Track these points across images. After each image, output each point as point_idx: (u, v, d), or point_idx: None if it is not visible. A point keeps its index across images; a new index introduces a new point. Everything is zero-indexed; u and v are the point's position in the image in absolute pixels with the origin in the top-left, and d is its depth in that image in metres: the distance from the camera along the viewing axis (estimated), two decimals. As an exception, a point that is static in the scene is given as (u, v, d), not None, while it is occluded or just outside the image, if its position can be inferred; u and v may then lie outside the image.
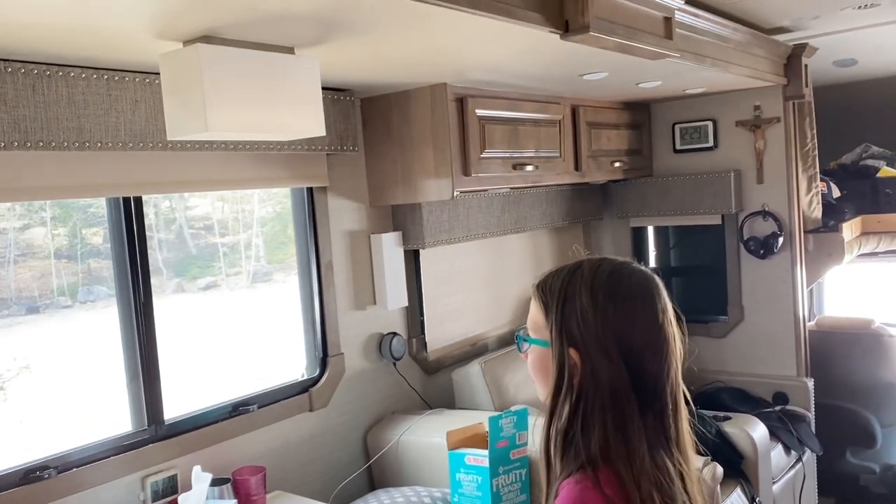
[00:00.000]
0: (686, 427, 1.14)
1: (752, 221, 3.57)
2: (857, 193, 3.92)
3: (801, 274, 3.55)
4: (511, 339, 1.97)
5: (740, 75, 2.98)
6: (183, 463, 2.22)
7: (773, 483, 3.14)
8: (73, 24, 1.51)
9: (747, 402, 3.50)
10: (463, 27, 1.78)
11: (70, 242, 2.26)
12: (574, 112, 3.19)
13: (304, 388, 2.63)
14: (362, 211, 2.82)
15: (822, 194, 3.71)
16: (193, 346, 2.52)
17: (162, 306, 2.26)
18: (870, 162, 4.01)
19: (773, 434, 3.21)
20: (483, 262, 3.39)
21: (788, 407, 3.49)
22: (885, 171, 3.93)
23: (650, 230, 4.04)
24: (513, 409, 2.43)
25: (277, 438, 2.52)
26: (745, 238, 3.58)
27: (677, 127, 3.71)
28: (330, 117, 2.44)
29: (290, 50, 1.82)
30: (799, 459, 3.35)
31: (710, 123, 3.62)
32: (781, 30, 3.10)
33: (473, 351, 3.25)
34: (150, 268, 2.22)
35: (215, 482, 2.15)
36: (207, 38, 1.65)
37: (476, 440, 2.38)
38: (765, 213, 3.52)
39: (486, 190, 3.04)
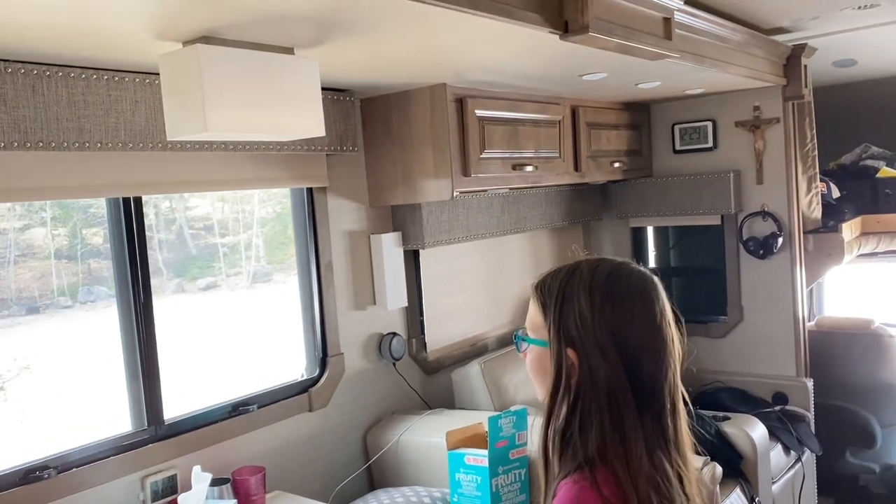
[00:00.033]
0: (685, 428, 1.14)
1: (751, 222, 3.57)
2: (856, 194, 3.93)
3: (800, 274, 3.55)
4: (511, 340, 1.97)
5: (740, 76, 2.98)
6: (183, 463, 2.22)
7: (773, 483, 3.15)
8: (73, 24, 1.51)
9: (747, 402, 3.50)
10: (463, 27, 1.78)
11: (70, 243, 2.26)
12: (574, 112, 3.19)
13: (303, 388, 2.64)
14: (362, 211, 2.83)
15: (822, 195, 3.71)
16: (193, 347, 2.52)
17: (162, 306, 2.26)
18: (869, 162, 4.01)
19: (773, 434, 3.21)
20: (483, 262, 3.39)
21: (788, 407, 3.49)
22: (885, 171, 3.93)
23: (650, 230, 4.04)
24: (512, 409, 2.43)
25: (277, 438, 2.52)
26: (745, 238, 3.58)
27: (677, 127, 3.71)
28: (330, 117, 2.45)
29: (289, 50, 1.82)
30: (798, 459, 3.35)
31: (709, 124, 3.62)
32: (781, 30, 3.10)
33: (473, 351, 3.26)
34: (151, 268, 2.22)
35: (215, 482, 2.15)
36: (207, 39, 1.65)
37: (475, 440, 2.38)
38: (764, 214, 3.52)
39: (485, 190, 3.05)
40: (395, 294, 2.86)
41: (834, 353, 3.93)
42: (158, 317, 2.23)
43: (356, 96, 2.69)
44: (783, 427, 3.30)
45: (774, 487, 3.15)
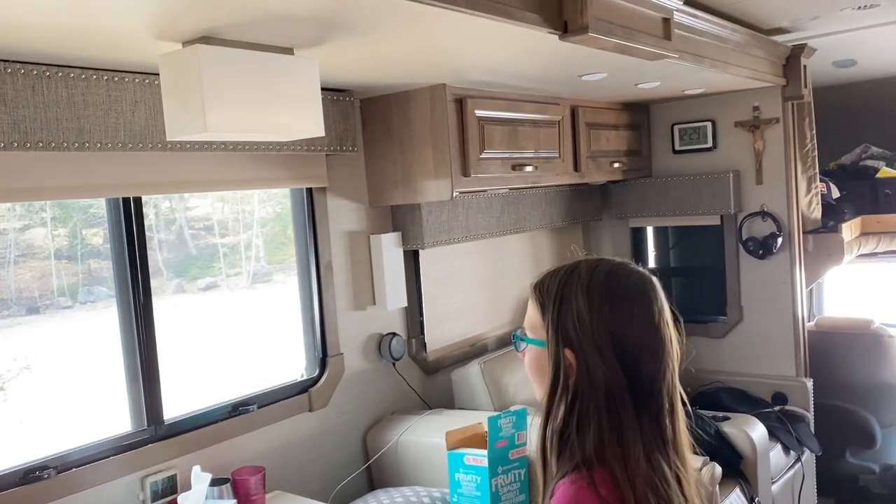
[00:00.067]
0: (683, 429, 1.14)
1: (751, 222, 3.58)
2: (856, 194, 3.93)
3: (800, 274, 3.55)
4: (510, 340, 1.97)
5: (739, 76, 2.98)
6: (182, 463, 2.23)
7: (773, 483, 3.15)
8: (73, 24, 1.51)
9: (746, 402, 3.50)
10: (462, 28, 1.78)
11: (70, 243, 2.26)
12: (573, 113, 3.19)
13: (303, 388, 2.64)
14: (362, 211, 2.83)
15: (822, 195, 3.72)
16: (193, 347, 2.52)
17: (162, 307, 2.26)
18: (869, 162, 4.02)
19: (773, 434, 3.21)
20: (482, 262, 3.39)
21: (787, 407, 3.49)
22: (885, 171, 3.94)
23: (649, 231, 4.04)
24: (512, 409, 2.43)
25: (277, 438, 2.53)
26: (745, 238, 3.58)
27: (676, 128, 3.71)
28: (329, 118, 2.45)
29: (289, 50, 1.83)
30: (798, 460, 3.35)
31: (709, 124, 3.62)
32: (780, 30, 3.11)
33: (473, 351, 3.26)
34: (151, 268, 2.22)
35: (215, 482, 2.16)
36: (207, 39, 1.65)
37: (475, 440, 2.38)
38: (764, 214, 3.52)
39: (485, 190, 3.05)
40: (394, 294, 2.87)
41: (834, 353, 3.93)
42: (158, 317, 2.23)
43: (356, 96, 2.69)
44: (783, 427, 3.30)
45: (774, 487, 3.15)
